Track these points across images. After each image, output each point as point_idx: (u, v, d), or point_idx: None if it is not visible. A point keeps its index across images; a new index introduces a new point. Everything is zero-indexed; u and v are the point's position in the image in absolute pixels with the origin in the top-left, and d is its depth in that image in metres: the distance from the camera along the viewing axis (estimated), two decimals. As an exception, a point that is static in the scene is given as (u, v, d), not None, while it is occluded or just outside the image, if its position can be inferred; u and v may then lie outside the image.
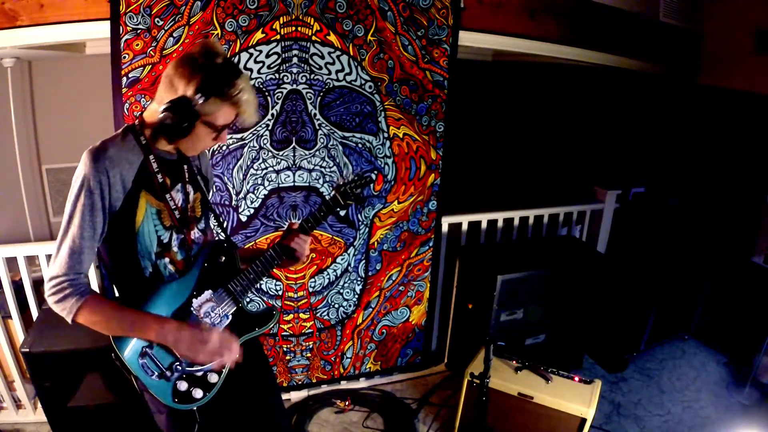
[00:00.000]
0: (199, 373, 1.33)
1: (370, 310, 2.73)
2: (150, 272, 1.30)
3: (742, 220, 3.32)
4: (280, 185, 2.36)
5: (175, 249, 1.34)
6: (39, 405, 2.24)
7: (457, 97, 2.56)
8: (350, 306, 2.68)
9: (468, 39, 2.52)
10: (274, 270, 1.54)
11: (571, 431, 2.08)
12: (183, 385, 1.31)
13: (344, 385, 2.83)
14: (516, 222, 3.11)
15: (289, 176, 2.37)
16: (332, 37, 2.24)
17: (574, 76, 3.87)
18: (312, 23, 2.19)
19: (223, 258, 1.41)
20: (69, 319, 1.19)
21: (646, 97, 3.90)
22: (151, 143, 1.28)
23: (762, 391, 2.82)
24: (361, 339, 2.76)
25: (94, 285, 2.35)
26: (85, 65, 3.18)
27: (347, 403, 2.65)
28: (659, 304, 3.01)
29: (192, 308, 1.34)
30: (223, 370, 1.37)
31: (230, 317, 1.40)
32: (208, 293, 1.36)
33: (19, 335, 2.35)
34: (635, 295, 3.02)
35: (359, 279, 2.66)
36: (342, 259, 2.58)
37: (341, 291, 2.64)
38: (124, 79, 2.03)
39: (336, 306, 2.65)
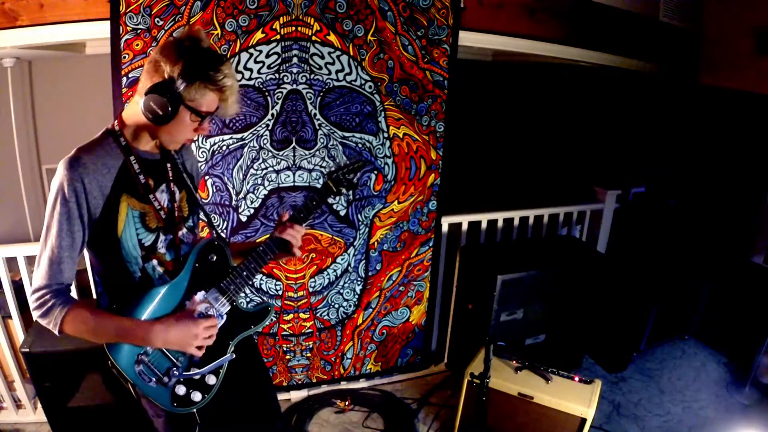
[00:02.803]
0: (197, 377, 1.32)
1: (371, 310, 2.73)
2: (139, 276, 1.28)
3: (742, 220, 3.32)
4: (280, 185, 2.36)
5: (162, 250, 1.32)
6: (39, 405, 2.24)
7: (457, 97, 2.56)
8: (350, 306, 2.68)
9: (468, 39, 2.52)
10: (269, 265, 1.49)
11: (571, 431, 2.08)
12: (181, 390, 1.30)
13: (344, 385, 2.83)
14: (516, 222, 3.11)
15: (289, 176, 2.37)
16: (332, 37, 2.24)
17: (574, 76, 3.87)
18: (312, 23, 2.19)
19: (214, 257, 1.37)
20: (56, 331, 1.17)
21: (646, 97, 3.90)
22: (132, 143, 1.25)
23: (762, 391, 2.82)
24: (361, 339, 2.76)
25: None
26: (85, 65, 3.18)
27: (347, 403, 2.65)
28: (659, 304, 3.00)
29: (185, 311, 1.32)
30: (221, 371, 1.36)
31: (225, 317, 1.37)
32: (200, 294, 1.33)
33: (19, 335, 2.35)
34: (635, 295, 3.02)
35: (359, 279, 2.66)
36: (342, 259, 2.58)
37: (341, 291, 2.64)
38: (124, 79, 2.03)
39: (336, 306, 2.65)
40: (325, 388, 2.79)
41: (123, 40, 1.98)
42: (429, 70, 2.46)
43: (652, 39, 3.23)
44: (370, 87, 2.37)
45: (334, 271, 2.59)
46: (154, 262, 1.30)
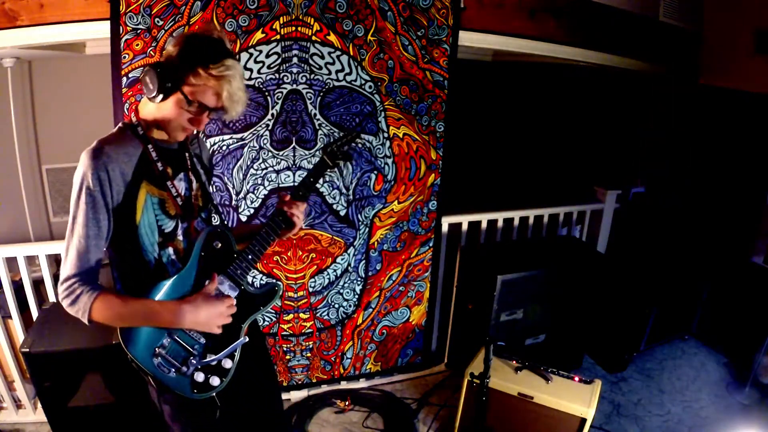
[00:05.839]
0: (214, 363, 1.35)
1: (371, 310, 2.73)
2: (153, 265, 1.31)
3: (742, 221, 3.32)
4: (280, 185, 2.36)
5: (180, 238, 1.35)
6: (39, 405, 2.24)
7: (457, 97, 2.56)
8: (350, 306, 2.68)
9: (468, 39, 2.52)
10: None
11: (571, 431, 2.08)
12: (200, 377, 1.33)
13: (344, 385, 2.83)
14: (516, 222, 3.11)
15: (289, 176, 2.37)
16: (332, 37, 2.24)
17: (574, 76, 3.87)
18: (312, 23, 2.19)
19: (219, 244, 1.39)
20: (85, 320, 1.19)
21: (646, 97, 3.90)
22: (149, 133, 1.30)
23: (762, 391, 2.82)
24: (361, 339, 2.76)
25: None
26: (85, 65, 3.18)
27: (347, 403, 2.65)
28: (659, 304, 3.01)
29: (207, 291, 1.34)
30: (236, 354, 1.38)
31: (235, 301, 1.39)
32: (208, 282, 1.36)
33: (19, 335, 2.36)
34: (635, 295, 3.02)
35: (359, 279, 2.66)
36: (342, 259, 2.58)
37: (341, 291, 2.64)
38: (124, 79, 2.03)
39: (336, 306, 2.65)
40: (325, 388, 2.79)
41: (123, 40, 1.98)
42: (429, 70, 2.46)
43: (652, 39, 3.23)
44: (370, 87, 2.37)
45: (334, 271, 2.59)
46: (170, 249, 1.33)
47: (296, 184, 1.48)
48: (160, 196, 1.30)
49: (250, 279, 1.43)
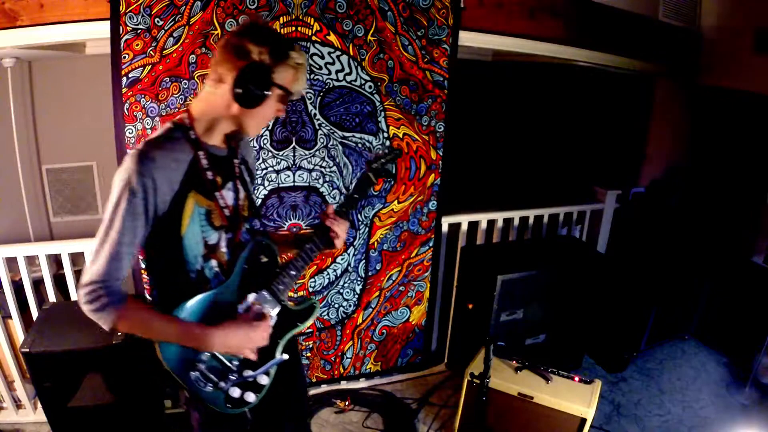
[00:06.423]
0: (251, 379, 1.31)
1: (370, 310, 2.73)
2: (195, 277, 1.25)
3: (742, 220, 3.32)
4: (280, 185, 2.36)
5: (223, 250, 1.28)
6: (39, 405, 2.24)
7: (457, 97, 2.56)
8: (350, 306, 2.68)
9: (468, 39, 2.52)
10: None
11: (571, 431, 2.08)
12: (236, 392, 1.29)
13: (344, 385, 2.83)
14: (516, 222, 3.11)
15: (289, 176, 2.37)
16: (332, 37, 2.24)
17: (573, 76, 3.87)
18: (312, 23, 2.19)
19: (264, 258, 1.34)
20: (106, 328, 1.13)
21: (646, 97, 3.90)
22: (201, 138, 1.22)
23: (762, 391, 2.82)
24: (361, 339, 2.76)
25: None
26: (85, 65, 3.18)
27: (347, 403, 2.65)
28: (659, 304, 3.00)
29: (242, 315, 1.30)
30: (272, 371, 1.34)
31: (275, 318, 1.35)
32: (252, 297, 1.31)
33: (19, 335, 2.36)
34: (635, 295, 3.02)
35: (359, 279, 2.66)
36: (342, 259, 2.58)
37: (341, 291, 2.64)
38: (124, 79, 2.03)
39: (336, 306, 2.65)
40: (325, 387, 2.79)
41: (123, 40, 1.98)
42: (429, 70, 2.46)
43: (652, 39, 3.23)
44: (370, 87, 2.37)
45: (334, 270, 2.59)
46: (213, 262, 1.27)
47: (340, 203, 1.45)
48: (208, 206, 1.23)
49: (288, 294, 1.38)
